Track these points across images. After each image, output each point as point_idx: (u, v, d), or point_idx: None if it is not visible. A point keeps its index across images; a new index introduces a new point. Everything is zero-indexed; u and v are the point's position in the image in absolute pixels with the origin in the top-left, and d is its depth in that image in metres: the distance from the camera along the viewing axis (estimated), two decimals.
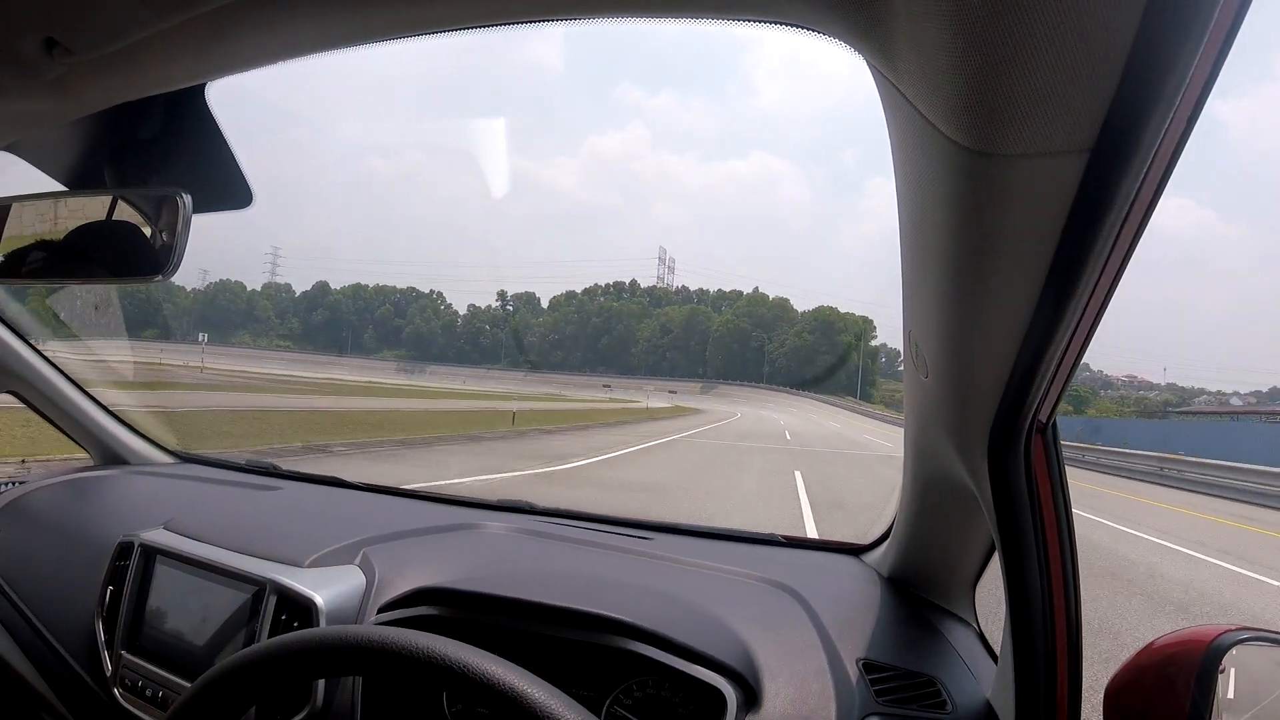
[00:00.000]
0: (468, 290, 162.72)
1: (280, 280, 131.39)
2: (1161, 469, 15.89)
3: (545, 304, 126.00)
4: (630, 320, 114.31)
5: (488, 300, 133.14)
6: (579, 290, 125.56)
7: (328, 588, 1.02)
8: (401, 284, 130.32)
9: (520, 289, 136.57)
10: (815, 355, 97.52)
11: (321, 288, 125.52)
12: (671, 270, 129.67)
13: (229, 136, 0.83)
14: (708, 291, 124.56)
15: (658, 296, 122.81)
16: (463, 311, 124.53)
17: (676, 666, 0.86)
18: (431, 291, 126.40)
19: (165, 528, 1.19)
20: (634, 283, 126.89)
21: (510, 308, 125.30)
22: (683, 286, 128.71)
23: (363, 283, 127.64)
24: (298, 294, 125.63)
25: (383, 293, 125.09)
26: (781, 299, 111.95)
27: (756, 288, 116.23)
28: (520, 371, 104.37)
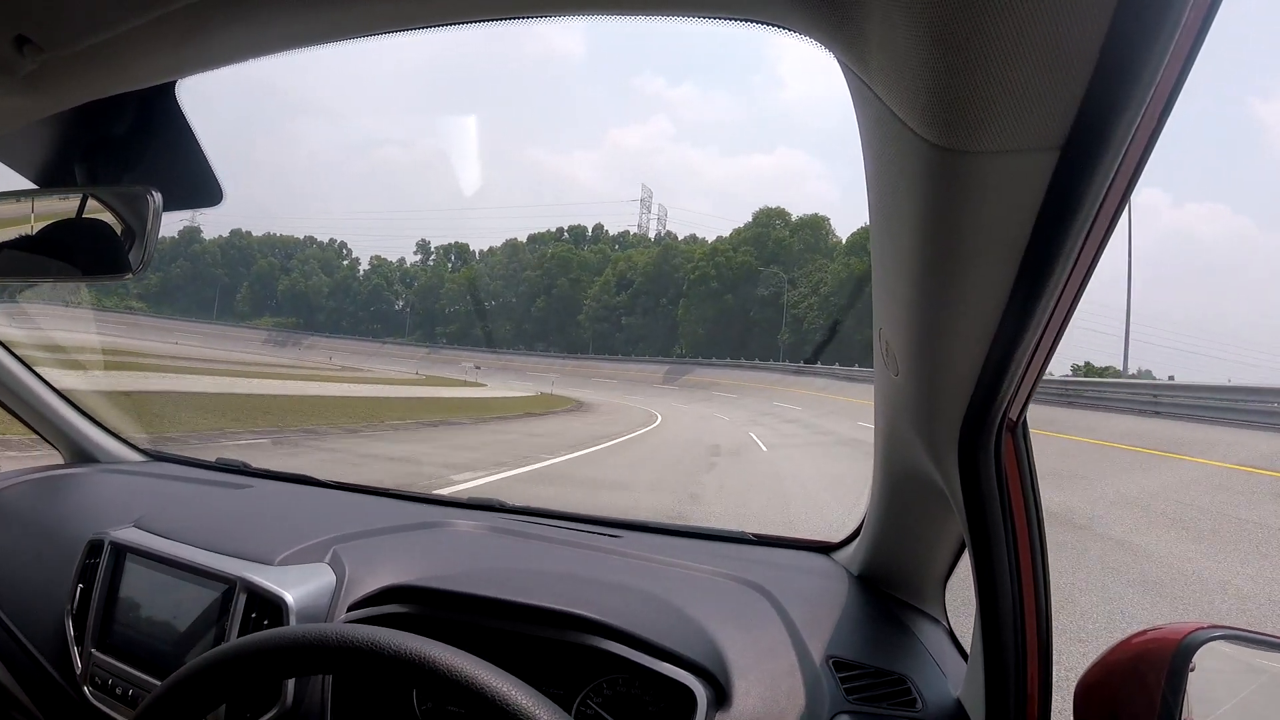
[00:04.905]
0: (381, 242, 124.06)
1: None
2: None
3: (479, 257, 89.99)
4: (580, 273, 75.12)
5: (404, 253, 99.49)
6: (523, 238, 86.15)
7: (298, 586, 1.01)
8: (300, 234, 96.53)
9: (450, 240, 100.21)
10: None
11: (188, 234, 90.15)
12: (662, 222, 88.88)
13: (199, 134, 0.82)
14: (703, 240, 75.52)
15: (628, 243, 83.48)
16: (365, 266, 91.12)
17: (646, 664, 0.86)
18: (333, 241, 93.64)
19: (136, 526, 1.18)
20: (600, 227, 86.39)
21: (431, 261, 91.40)
22: (668, 232, 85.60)
23: (242, 228, 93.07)
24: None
25: (270, 242, 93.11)
26: (814, 217, 63.76)
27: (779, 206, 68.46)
28: (426, 348, 73.95)
